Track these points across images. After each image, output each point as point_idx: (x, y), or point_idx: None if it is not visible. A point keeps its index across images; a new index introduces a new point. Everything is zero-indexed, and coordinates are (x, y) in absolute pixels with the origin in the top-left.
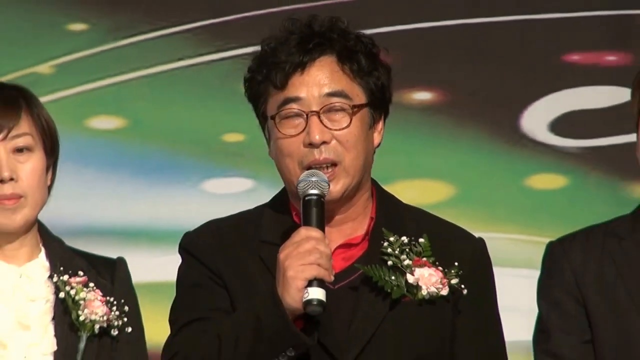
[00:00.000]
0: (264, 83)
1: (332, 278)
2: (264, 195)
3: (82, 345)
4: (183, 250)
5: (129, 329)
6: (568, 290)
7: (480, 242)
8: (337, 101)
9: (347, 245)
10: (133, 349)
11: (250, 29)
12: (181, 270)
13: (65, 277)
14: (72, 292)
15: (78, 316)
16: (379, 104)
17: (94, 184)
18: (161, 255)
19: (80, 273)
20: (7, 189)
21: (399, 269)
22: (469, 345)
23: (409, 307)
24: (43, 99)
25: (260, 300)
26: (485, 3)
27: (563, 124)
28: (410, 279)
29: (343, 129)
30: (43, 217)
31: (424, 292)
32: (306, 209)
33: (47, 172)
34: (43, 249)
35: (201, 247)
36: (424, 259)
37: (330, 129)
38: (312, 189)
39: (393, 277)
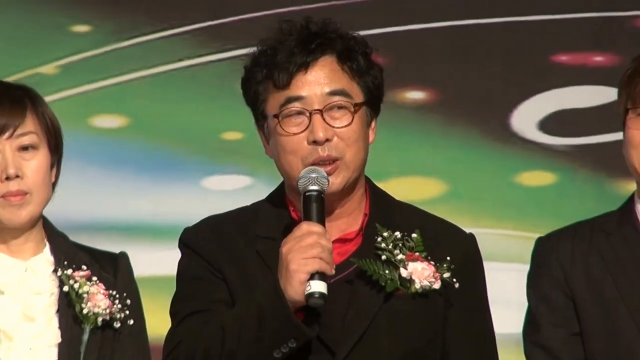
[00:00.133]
0: (264, 83)
1: (333, 271)
2: (262, 191)
3: (85, 337)
4: (183, 244)
5: (131, 322)
6: (557, 284)
7: (471, 237)
8: (338, 99)
9: (342, 240)
10: (135, 340)
11: (247, 31)
12: (181, 264)
13: (69, 271)
14: (76, 285)
15: (81, 309)
16: (374, 103)
17: (97, 181)
18: (162, 250)
19: (84, 267)
20: (13, 185)
21: (393, 263)
22: (460, 338)
23: (402, 300)
24: (48, 99)
25: (262, 293)
26: (476, 5)
27: (552, 123)
28: (403, 273)
29: (345, 126)
30: (48, 213)
31: (417, 285)
32: (307, 204)
33: (52, 169)
34: (48, 244)
35: (201, 241)
36: (417, 253)
37: (333, 126)
38: (312, 185)
39: (387, 271)
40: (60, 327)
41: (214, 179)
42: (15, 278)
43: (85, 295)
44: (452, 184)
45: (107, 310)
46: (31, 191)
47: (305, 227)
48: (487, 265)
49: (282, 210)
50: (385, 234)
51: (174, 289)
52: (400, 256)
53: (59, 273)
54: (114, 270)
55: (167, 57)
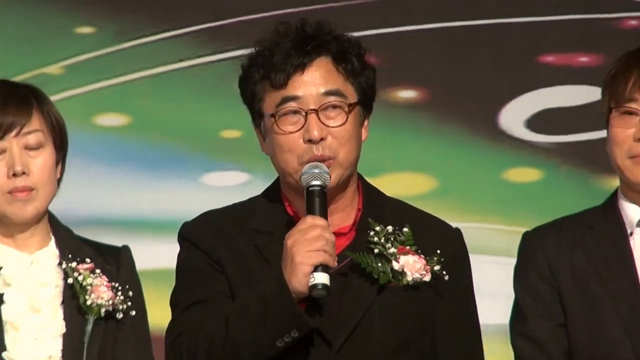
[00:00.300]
0: (261, 82)
1: (336, 264)
2: (259, 187)
3: (89, 327)
4: (182, 238)
5: (133, 313)
6: (542, 277)
7: (457, 231)
8: (333, 100)
9: (336, 235)
10: (137, 331)
11: (246, 32)
12: (181, 257)
13: (74, 264)
14: (80, 278)
15: (85, 300)
16: (367, 102)
17: (101, 177)
18: (163, 243)
19: (88, 260)
20: (20, 182)
21: (385, 256)
22: (449, 329)
23: (394, 292)
24: (53, 98)
25: (266, 284)
26: (466, 8)
27: (538, 121)
28: (395, 266)
29: (339, 126)
30: (53, 208)
31: (409, 278)
32: (310, 198)
33: (57, 166)
34: (53, 238)
35: (200, 235)
36: (408, 247)
37: (328, 126)
38: (314, 180)
39: (379, 264)
40: (64, 318)
41: (213, 176)
42: (22, 271)
43: (89, 287)
44: (442, 179)
45: (110, 302)
46: (37, 187)
47: (309, 220)
48: (475, 259)
49: (277, 206)
50: (377, 228)
51: (174, 282)
52: (392, 250)
53: (64, 266)
54: (116, 263)
55: (168, 58)
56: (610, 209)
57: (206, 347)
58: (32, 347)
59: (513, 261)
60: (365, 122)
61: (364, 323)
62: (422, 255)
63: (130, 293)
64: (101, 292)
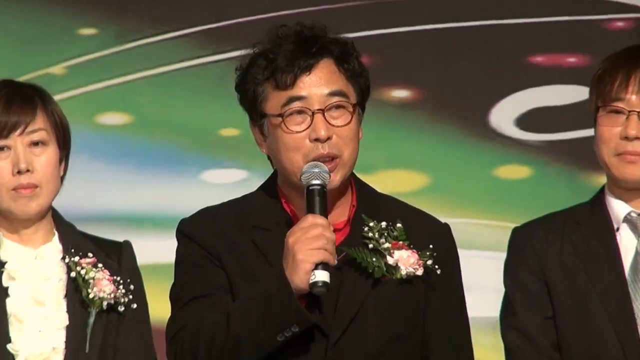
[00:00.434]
0: (264, 84)
1: (336, 262)
2: (257, 184)
3: (91, 320)
4: (181, 234)
5: (134, 306)
6: (531, 271)
7: (447, 226)
8: (337, 100)
9: None
10: (138, 323)
11: (244, 34)
12: (180, 253)
13: (76, 259)
14: (83, 271)
15: (88, 294)
16: (364, 103)
17: (103, 175)
18: (164, 239)
19: (90, 255)
20: (24, 179)
21: (379, 251)
22: (440, 322)
23: (388, 286)
24: (56, 97)
25: (267, 280)
26: (458, 10)
27: (528, 120)
28: (390, 260)
29: (344, 125)
30: (56, 204)
31: (402, 272)
32: (310, 197)
33: (60, 163)
34: (56, 233)
35: (198, 231)
36: (400, 242)
37: (333, 125)
38: (315, 180)
39: (374, 259)
40: (68, 311)
41: (212, 173)
42: (26, 265)
43: (91, 281)
44: (435, 176)
45: (112, 295)
46: (41, 184)
47: (310, 219)
48: (466, 253)
49: (274, 203)
50: (371, 224)
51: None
52: (386, 245)
53: (67, 260)
54: (118, 257)
55: (169, 59)
56: (597, 205)
57: (207, 342)
58: (36, 339)
59: (503, 256)
60: (361, 122)
61: (359, 316)
62: (414, 250)
63: (132, 287)
64: (103, 285)
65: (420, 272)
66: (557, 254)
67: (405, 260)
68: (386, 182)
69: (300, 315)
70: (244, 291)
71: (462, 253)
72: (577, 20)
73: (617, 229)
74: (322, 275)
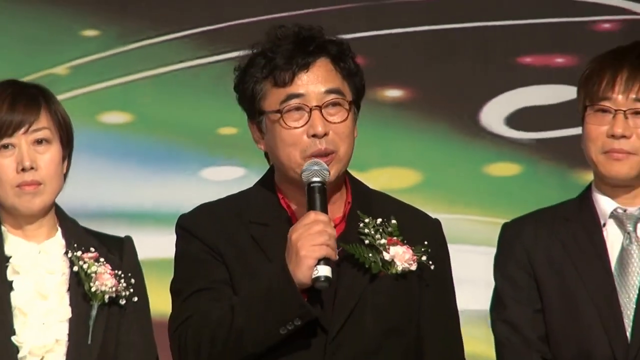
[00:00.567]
0: (263, 82)
1: (337, 257)
2: (255, 181)
3: (93, 313)
4: (182, 229)
5: (135, 299)
6: (521, 266)
7: (437, 222)
8: (334, 97)
9: None
10: (139, 316)
11: (242, 35)
12: (180, 247)
13: (79, 253)
14: (85, 266)
15: (90, 287)
16: (359, 102)
17: (105, 172)
18: (164, 234)
19: (92, 249)
20: (28, 176)
21: (375, 247)
22: (433, 316)
23: (384, 281)
24: (60, 97)
25: (270, 275)
26: (450, 11)
27: (517, 118)
28: (386, 256)
29: (341, 122)
30: (60, 201)
31: (398, 267)
32: (311, 195)
33: (63, 161)
34: (59, 229)
35: (198, 226)
36: (395, 238)
37: (330, 122)
38: (315, 177)
39: (370, 254)
40: (70, 304)
41: (211, 170)
42: (30, 259)
43: (93, 275)
44: (427, 174)
45: (114, 289)
46: (44, 181)
47: (312, 216)
48: (457, 248)
49: (272, 198)
50: (366, 220)
51: (174, 270)
52: (382, 241)
53: (70, 255)
54: (119, 252)
55: (169, 59)
56: (584, 202)
57: (211, 334)
58: (39, 332)
59: (493, 251)
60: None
61: (357, 311)
62: (409, 246)
63: (133, 280)
64: (105, 279)
65: (414, 267)
66: (545, 249)
67: (401, 256)
68: (380, 179)
69: (304, 309)
70: (246, 285)
71: (453, 248)
72: (564, 22)
73: (604, 225)
74: (324, 270)
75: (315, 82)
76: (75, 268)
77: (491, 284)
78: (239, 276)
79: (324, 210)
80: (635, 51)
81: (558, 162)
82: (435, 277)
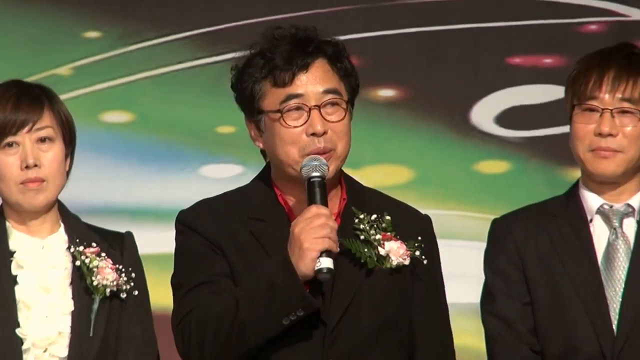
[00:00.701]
0: (262, 81)
1: (338, 249)
2: (252, 178)
3: (95, 306)
4: (182, 224)
5: (136, 293)
6: (510, 260)
7: (428, 218)
8: (332, 97)
9: None
10: (139, 309)
11: (240, 36)
12: (181, 242)
13: (81, 248)
14: (87, 260)
15: (92, 281)
16: (354, 100)
17: (107, 170)
18: (164, 230)
19: (94, 244)
20: (32, 173)
21: (370, 242)
22: (426, 309)
23: (380, 275)
24: (63, 97)
25: (273, 268)
26: (441, 14)
27: (507, 117)
28: (381, 251)
29: (339, 121)
30: (63, 197)
31: (393, 262)
32: (311, 189)
33: (66, 159)
34: (62, 225)
35: (199, 221)
36: (389, 233)
37: (328, 121)
38: (315, 172)
39: (366, 249)
40: (73, 298)
41: (210, 168)
42: (34, 254)
43: (95, 269)
44: (419, 171)
45: (115, 283)
46: (48, 179)
47: (314, 209)
48: (449, 243)
49: (269, 195)
50: (361, 216)
51: (174, 265)
52: (377, 236)
53: (72, 250)
54: (120, 247)
55: (169, 60)
56: (572, 198)
57: (215, 326)
58: (43, 324)
59: (483, 245)
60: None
61: (353, 305)
62: (402, 241)
63: (133, 275)
64: (106, 273)
65: (407, 262)
66: (534, 243)
67: (396, 251)
68: (374, 176)
69: (306, 300)
70: (249, 278)
71: (444, 243)
72: (552, 24)
73: (591, 220)
74: (326, 262)
75: (313, 82)
76: (78, 262)
77: (481, 278)
78: (240, 269)
79: (324, 204)
80: (621, 52)
81: (546, 160)
82: (427, 272)
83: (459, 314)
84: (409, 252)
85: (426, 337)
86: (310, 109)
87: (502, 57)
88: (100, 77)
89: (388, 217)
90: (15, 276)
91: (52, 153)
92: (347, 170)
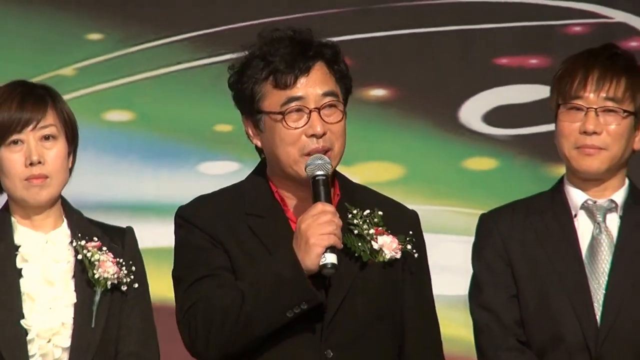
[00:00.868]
0: (262, 83)
1: (342, 246)
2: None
3: (97, 298)
4: (182, 219)
5: (136, 285)
6: (497, 254)
7: (415, 213)
8: (330, 100)
9: None
10: (139, 301)
11: (237, 38)
12: (181, 236)
13: (83, 242)
14: (89, 254)
15: (93, 274)
16: (347, 101)
17: (109, 167)
18: (164, 225)
19: (95, 239)
20: (36, 170)
21: (364, 237)
22: (416, 300)
23: (373, 268)
24: (66, 97)
25: (279, 262)
26: (430, 16)
27: (494, 116)
28: (375, 245)
29: (337, 122)
30: (66, 193)
31: (386, 256)
32: (316, 187)
33: (69, 156)
34: (65, 220)
35: (198, 216)
36: (380, 228)
37: (327, 122)
38: (319, 171)
39: (360, 244)
40: (75, 290)
41: (208, 165)
42: (38, 248)
43: (96, 263)
44: (409, 167)
45: (115, 276)
46: (51, 175)
47: (320, 207)
48: (438, 237)
49: (265, 191)
50: (354, 211)
51: (174, 259)
52: (371, 231)
53: (75, 244)
54: (121, 242)
55: (168, 61)
56: (557, 194)
57: (221, 319)
58: (46, 316)
59: (471, 240)
60: None
61: (349, 297)
62: (394, 236)
63: (134, 268)
64: (107, 267)
65: (399, 255)
66: (520, 238)
67: (389, 245)
68: (365, 173)
69: (311, 294)
70: (253, 272)
71: (434, 237)
72: (538, 26)
73: (575, 215)
74: (331, 258)
75: (313, 85)
76: (80, 256)
77: (469, 271)
78: (240, 263)
79: (329, 201)
80: (605, 52)
81: (532, 157)
82: (416, 265)
83: (448, 306)
84: (400, 246)
85: (416, 328)
86: (310, 111)
87: (489, 58)
88: (102, 77)
89: (380, 212)
90: (20, 269)
91: (55, 150)
92: (341, 167)
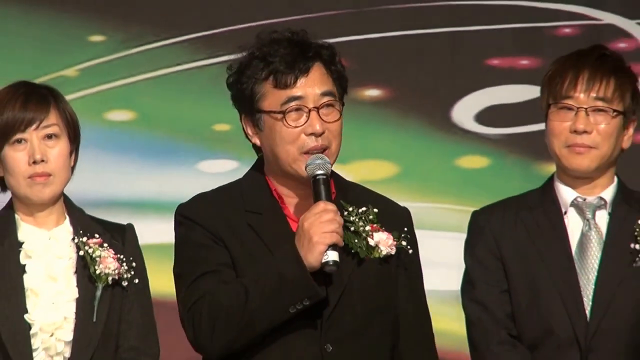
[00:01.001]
0: (262, 83)
1: (343, 243)
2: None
3: (98, 293)
4: (182, 217)
5: (137, 281)
6: (489, 250)
7: (407, 210)
8: (328, 99)
9: None
10: (140, 296)
11: (236, 39)
12: (181, 233)
13: (85, 239)
14: (90, 250)
15: (95, 270)
16: (343, 100)
17: (110, 165)
18: (164, 222)
19: (97, 236)
20: (39, 168)
21: (360, 233)
22: (409, 295)
23: (369, 264)
24: (69, 97)
25: (282, 259)
26: (424, 18)
27: (486, 116)
28: (371, 242)
29: (334, 121)
30: (68, 191)
31: (382, 252)
32: (316, 186)
33: (71, 155)
34: (67, 217)
35: (199, 213)
36: (375, 225)
37: (325, 121)
38: (319, 170)
39: (356, 240)
40: (77, 286)
41: (207, 163)
42: (41, 245)
43: (98, 259)
44: (403, 166)
45: (116, 271)
46: (54, 173)
47: (322, 205)
48: (431, 234)
49: (264, 189)
50: (350, 209)
51: (173, 255)
52: (366, 227)
53: (77, 240)
54: (122, 238)
55: (168, 62)
56: (547, 191)
57: (225, 315)
58: (49, 310)
59: (464, 236)
60: None
61: (346, 292)
62: (389, 232)
63: (134, 264)
64: (108, 263)
65: (394, 251)
66: (511, 234)
67: (385, 242)
68: (360, 170)
69: (314, 290)
70: (253, 269)
71: (427, 234)
72: (528, 27)
73: (565, 213)
74: (333, 255)
75: (312, 85)
76: (82, 253)
77: (462, 266)
78: (241, 260)
79: (329, 200)
80: (594, 53)
81: (523, 156)
82: (410, 261)
83: (441, 301)
84: (395, 243)
85: (409, 322)
86: (309, 110)
87: (480, 58)
88: (104, 78)
89: (375, 210)
90: (24, 265)
91: (58, 149)
92: (336, 165)
